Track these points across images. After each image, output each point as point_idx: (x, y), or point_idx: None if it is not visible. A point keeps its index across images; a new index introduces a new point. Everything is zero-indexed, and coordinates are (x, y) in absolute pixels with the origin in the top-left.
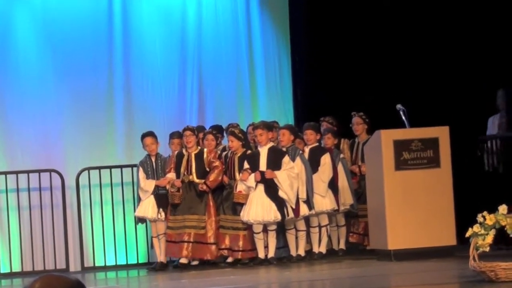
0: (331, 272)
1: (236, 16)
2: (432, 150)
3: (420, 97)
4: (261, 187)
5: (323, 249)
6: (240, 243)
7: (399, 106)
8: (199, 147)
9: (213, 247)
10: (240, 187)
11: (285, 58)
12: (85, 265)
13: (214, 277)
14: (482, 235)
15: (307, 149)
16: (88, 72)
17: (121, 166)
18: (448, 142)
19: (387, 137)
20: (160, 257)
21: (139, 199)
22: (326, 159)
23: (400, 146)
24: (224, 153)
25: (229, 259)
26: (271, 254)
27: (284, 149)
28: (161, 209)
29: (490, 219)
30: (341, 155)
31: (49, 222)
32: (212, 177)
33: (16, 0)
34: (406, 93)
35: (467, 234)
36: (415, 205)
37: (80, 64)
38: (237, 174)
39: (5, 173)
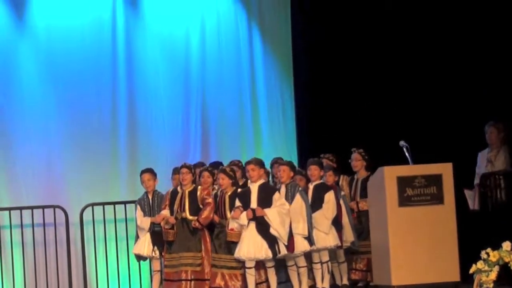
0: None
1: (239, 49)
2: (435, 186)
3: (423, 133)
4: (252, 224)
5: (326, 285)
6: (240, 282)
7: (402, 142)
8: (193, 185)
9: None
10: (232, 225)
11: (288, 93)
12: None
13: None
14: (485, 272)
15: (311, 186)
16: (92, 107)
17: (124, 202)
18: (452, 179)
19: (391, 173)
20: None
21: (137, 237)
22: (330, 196)
23: (404, 183)
24: (213, 192)
25: None
26: None
27: (283, 186)
28: (155, 247)
29: (493, 255)
30: (342, 192)
31: (53, 258)
32: (204, 214)
33: (20, 33)
34: (409, 129)
35: (471, 271)
36: (419, 241)
37: (83, 99)
38: (228, 212)
39: (9, 209)
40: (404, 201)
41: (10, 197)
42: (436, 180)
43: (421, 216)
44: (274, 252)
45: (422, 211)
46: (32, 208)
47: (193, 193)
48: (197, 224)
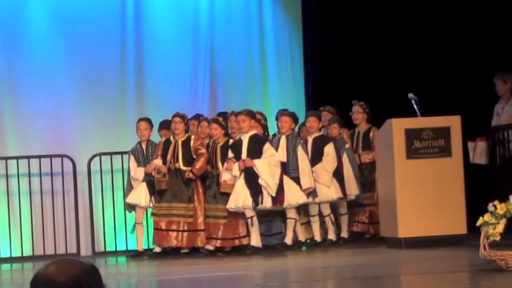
0: (340, 259)
1: (248, 3)
2: (443, 139)
3: (432, 86)
4: (243, 175)
5: (332, 236)
6: (220, 232)
7: (411, 95)
8: (186, 134)
9: (203, 234)
10: (225, 176)
11: (296, 46)
12: (96, 250)
13: (226, 262)
14: (493, 224)
15: (310, 139)
16: (101, 58)
17: (17, 158)
18: (460, 132)
19: (399, 125)
20: (139, 244)
21: (131, 187)
22: (330, 149)
23: (412, 135)
24: (206, 142)
25: (208, 247)
26: (252, 242)
27: (283, 136)
28: (152, 198)
29: (501, 208)
30: (347, 145)
31: (60, 207)
32: (198, 164)
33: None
34: (418, 81)
35: (478, 223)
36: (426, 194)
37: (92, 51)
38: (219, 163)
39: (17, 157)
40: (412, 153)
41: (18, 146)
42: (444, 132)
43: (429, 169)
44: (256, 202)
45: (429, 163)
46: (39, 157)
47: (186, 143)
48: (191, 174)
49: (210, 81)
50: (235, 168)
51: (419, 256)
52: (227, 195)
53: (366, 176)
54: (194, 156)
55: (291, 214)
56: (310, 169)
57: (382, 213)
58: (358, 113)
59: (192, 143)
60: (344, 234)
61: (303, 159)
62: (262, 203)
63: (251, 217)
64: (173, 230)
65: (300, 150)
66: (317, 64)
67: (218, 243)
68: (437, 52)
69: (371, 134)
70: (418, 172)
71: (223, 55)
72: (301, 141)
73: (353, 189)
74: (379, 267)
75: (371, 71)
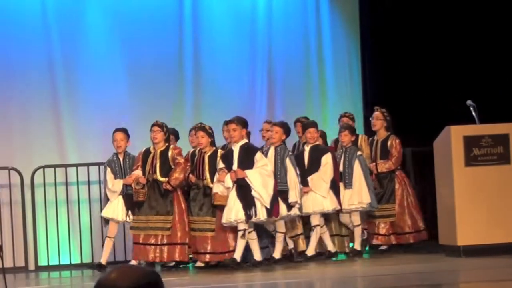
0: (398, 267)
1: (305, 8)
2: (502, 146)
3: (490, 93)
4: (235, 187)
5: (311, 251)
6: (208, 246)
7: (469, 102)
8: (166, 144)
9: (184, 247)
10: (217, 189)
11: (354, 51)
12: (39, 264)
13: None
14: None
15: (307, 148)
16: (158, 63)
17: (77, 165)
18: None
19: (457, 133)
20: (103, 258)
21: (107, 200)
22: (327, 159)
23: (470, 142)
24: (191, 151)
25: (198, 264)
26: (236, 255)
27: (272, 147)
28: (129, 212)
29: None
30: (358, 152)
31: (7, 219)
32: (175, 175)
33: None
34: (477, 88)
35: None
36: (485, 201)
37: (150, 55)
38: (207, 173)
39: None
40: (471, 160)
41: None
42: (503, 139)
43: (488, 176)
44: (248, 215)
45: (488, 171)
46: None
47: (164, 153)
48: (168, 186)
49: (268, 85)
50: (227, 179)
51: (479, 264)
52: (218, 207)
53: (386, 186)
54: (173, 167)
55: (281, 228)
56: (298, 183)
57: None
58: (377, 119)
59: (170, 153)
60: (357, 246)
61: (291, 172)
62: (256, 215)
63: (244, 230)
64: (150, 244)
65: (288, 163)
66: (374, 69)
67: (207, 258)
68: (496, 58)
69: (389, 143)
70: (476, 180)
71: (281, 59)
72: (290, 153)
73: (364, 198)
74: (438, 275)
75: (429, 77)
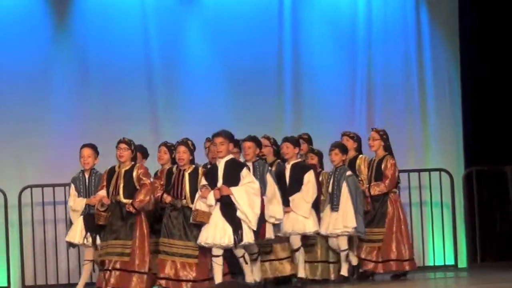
0: None
1: (405, 17)
2: None
3: None
4: (219, 206)
5: (302, 274)
6: (193, 273)
7: None
8: (132, 163)
9: (142, 277)
10: (199, 206)
11: (453, 63)
12: (26, 283)
13: None
14: None
15: (288, 166)
16: (257, 71)
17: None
18: None
19: None
20: (79, 285)
21: (71, 222)
22: (310, 177)
23: None
24: (166, 169)
25: None
26: (247, 280)
27: (250, 163)
28: (88, 234)
29: None
30: (348, 173)
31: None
32: (139, 196)
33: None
34: None
35: None
36: None
37: (248, 63)
38: (187, 192)
39: None
40: None
41: None
42: None
43: None
44: (236, 240)
45: None
46: None
47: (129, 173)
48: (131, 208)
49: (367, 95)
50: (211, 196)
51: None
52: (198, 226)
53: (377, 209)
54: (138, 187)
55: (255, 249)
56: (280, 197)
57: None
58: (374, 140)
59: (135, 172)
60: (344, 272)
61: (271, 187)
62: (242, 239)
63: (243, 256)
64: (106, 270)
65: (269, 178)
66: (475, 82)
67: (189, 287)
68: None
69: (383, 165)
70: None
71: (380, 68)
72: (269, 168)
73: (349, 221)
74: None
75: None
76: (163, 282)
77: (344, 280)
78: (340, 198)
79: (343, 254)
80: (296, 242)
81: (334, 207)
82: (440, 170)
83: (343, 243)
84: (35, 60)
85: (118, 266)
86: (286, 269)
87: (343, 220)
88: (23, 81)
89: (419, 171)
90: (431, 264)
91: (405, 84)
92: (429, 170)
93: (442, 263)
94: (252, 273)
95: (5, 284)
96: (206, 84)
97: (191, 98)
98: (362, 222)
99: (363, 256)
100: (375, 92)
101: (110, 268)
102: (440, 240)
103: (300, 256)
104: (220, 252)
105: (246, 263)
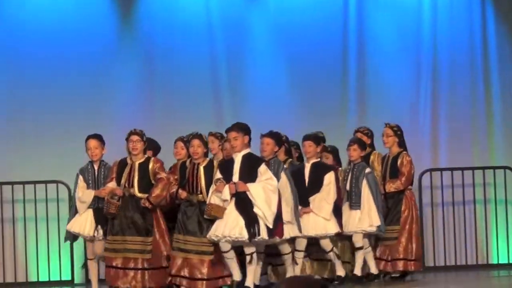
0: None
1: (472, 21)
2: None
3: None
4: (233, 201)
5: (342, 273)
6: (206, 270)
7: None
8: (145, 156)
9: (165, 272)
10: (213, 200)
11: None
12: (19, 280)
13: None
14: None
15: (308, 165)
16: (322, 72)
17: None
18: None
19: None
20: (93, 284)
21: (75, 212)
22: (331, 178)
23: None
24: (179, 163)
25: None
26: (248, 283)
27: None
28: (99, 226)
29: None
30: (367, 170)
31: None
32: (155, 191)
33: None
34: None
35: None
36: None
37: (314, 64)
38: (202, 186)
39: None
40: None
41: None
42: None
43: None
44: (251, 234)
45: None
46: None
47: (143, 166)
48: (147, 203)
49: (432, 88)
50: (226, 191)
51: None
52: (212, 220)
53: (391, 206)
54: (153, 181)
55: (286, 249)
56: (291, 199)
57: None
58: (388, 136)
59: (151, 165)
60: (358, 271)
61: (287, 187)
62: (259, 234)
63: (251, 254)
64: (130, 269)
65: (283, 177)
66: None
67: (204, 285)
68: None
69: (399, 161)
70: None
71: (445, 71)
72: (285, 166)
73: (374, 220)
74: None
75: None
76: (176, 279)
77: (358, 279)
78: (362, 196)
79: (359, 253)
80: (326, 244)
81: (354, 205)
82: (505, 168)
83: (359, 240)
84: (99, 53)
85: (146, 265)
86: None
87: (368, 219)
88: (88, 73)
89: (483, 168)
90: (495, 262)
91: (470, 75)
92: (494, 168)
93: (506, 261)
94: (254, 276)
95: (69, 278)
96: (270, 75)
97: (255, 90)
98: (383, 220)
99: (377, 255)
100: (440, 85)
101: (138, 267)
102: (504, 238)
103: (335, 257)
104: (228, 246)
105: (251, 263)
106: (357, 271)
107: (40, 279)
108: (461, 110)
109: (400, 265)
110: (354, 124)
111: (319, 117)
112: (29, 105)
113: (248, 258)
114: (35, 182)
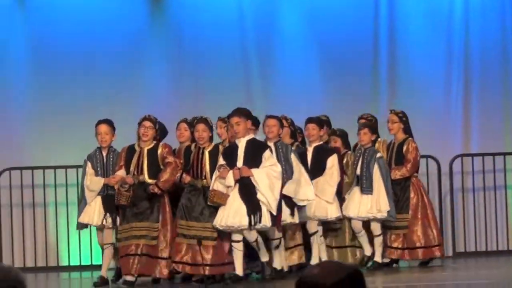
0: None
1: (504, 13)
2: None
3: None
4: (237, 187)
5: (324, 256)
6: (210, 256)
7: None
8: (154, 142)
9: (164, 263)
10: (217, 186)
11: None
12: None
13: None
14: None
15: (310, 148)
16: (352, 62)
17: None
18: None
19: None
20: (103, 270)
21: (84, 201)
22: (334, 161)
23: None
24: (184, 147)
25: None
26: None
27: (271, 143)
28: (107, 214)
29: None
30: (378, 154)
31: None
32: (164, 176)
33: None
34: None
35: None
36: None
37: (344, 56)
38: (207, 171)
39: None
40: None
41: None
42: None
43: None
44: (251, 221)
45: None
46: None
47: (152, 152)
48: (155, 188)
49: (464, 75)
50: (230, 177)
51: None
52: (215, 207)
53: (399, 194)
54: (162, 167)
55: (277, 234)
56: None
57: None
58: (393, 123)
59: (159, 151)
60: (378, 258)
61: (297, 168)
62: (260, 221)
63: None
64: (130, 255)
65: (294, 158)
66: None
67: (207, 270)
68: None
69: (404, 147)
70: None
71: (477, 57)
72: (293, 148)
73: (383, 205)
74: None
75: None
76: (179, 266)
77: (378, 266)
78: (373, 180)
79: (377, 240)
80: (313, 226)
81: (365, 190)
82: None
83: (376, 228)
84: (130, 40)
85: (145, 250)
86: (295, 258)
87: (376, 204)
88: (119, 60)
89: None
90: None
91: (501, 62)
92: None
93: None
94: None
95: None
96: (301, 63)
97: (286, 78)
98: (394, 207)
99: (388, 244)
100: (471, 72)
101: (139, 253)
102: None
103: (316, 242)
104: (240, 237)
105: (259, 248)
106: (377, 258)
107: (71, 263)
108: (492, 96)
109: (420, 254)
110: (384, 112)
111: (350, 104)
112: (60, 91)
113: (275, 242)
114: (66, 167)
